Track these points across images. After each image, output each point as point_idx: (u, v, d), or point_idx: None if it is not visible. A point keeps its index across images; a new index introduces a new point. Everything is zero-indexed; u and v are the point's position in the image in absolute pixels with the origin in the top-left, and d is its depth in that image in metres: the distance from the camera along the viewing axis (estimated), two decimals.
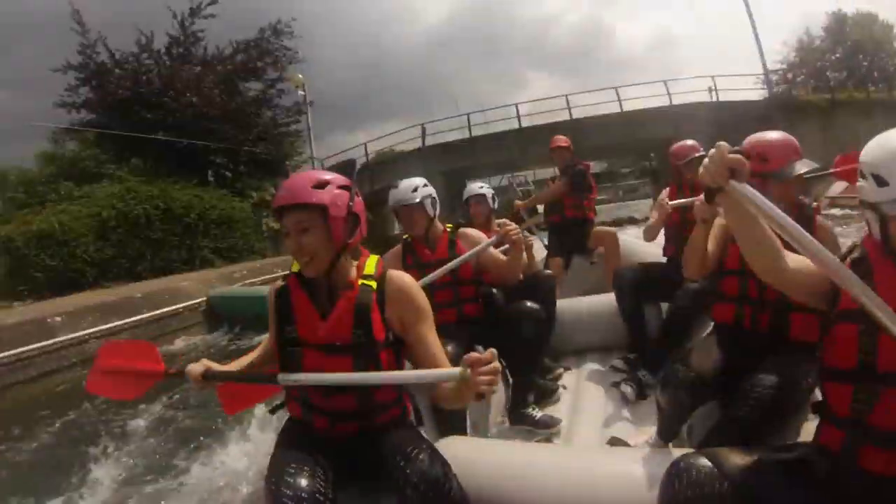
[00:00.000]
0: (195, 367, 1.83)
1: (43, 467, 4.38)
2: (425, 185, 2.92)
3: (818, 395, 1.58)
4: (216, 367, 1.85)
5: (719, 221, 2.23)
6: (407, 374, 1.75)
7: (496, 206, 4.06)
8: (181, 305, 9.57)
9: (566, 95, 22.59)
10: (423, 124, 22.98)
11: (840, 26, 33.97)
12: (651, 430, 2.37)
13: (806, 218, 2.10)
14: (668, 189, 3.69)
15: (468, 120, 22.75)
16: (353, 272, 1.73)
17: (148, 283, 11.50)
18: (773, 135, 2.18)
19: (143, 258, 12.94)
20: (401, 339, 1.72)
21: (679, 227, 3.32)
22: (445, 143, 22.76)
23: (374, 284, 1.71)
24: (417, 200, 2.84)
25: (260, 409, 3.27)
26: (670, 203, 3.26)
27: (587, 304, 3.90)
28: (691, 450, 1.61)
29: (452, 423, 2.33)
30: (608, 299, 3.72)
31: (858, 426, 1.29)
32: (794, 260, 1.40)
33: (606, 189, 22.84)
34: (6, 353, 7.37)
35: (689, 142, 3.74)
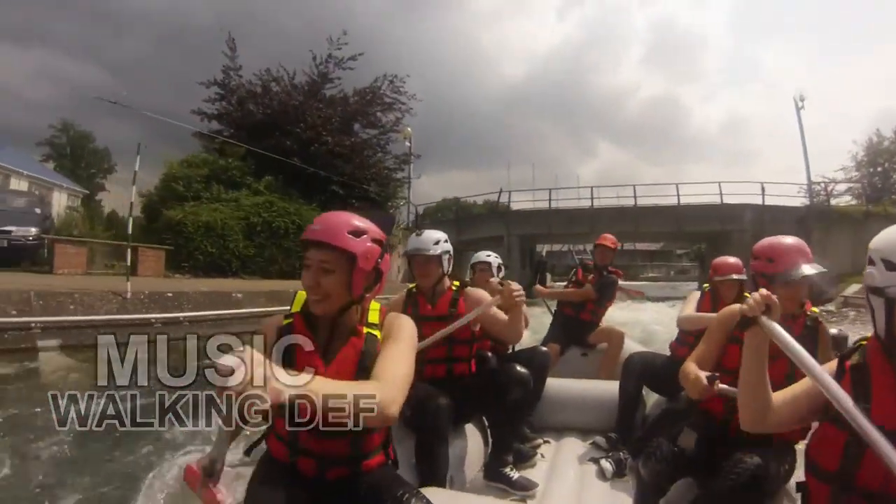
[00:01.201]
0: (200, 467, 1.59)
1: None
2: (445, 241, 2.99)
3: (800, 475, 1.59)
4: (211, 455, 1.60)
5: (717, 322, 2.28)
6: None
7: (501, 275, 4.08)
8: None
9: (633, 185, 25.53)
10: (510, 191, 26.05)
11: None
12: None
13: (812, 329, 2.25)
14: (697, 293, 3.70)
15: (549, 194, 25.39)
16: (358, 319, 1.70)
17: (281, 282, 13.81)
18: (786, 240, 2.24)
19: (275, 261, 15.40)
20: None
21: (699, 337, 3.11)
22: (528, 210, 25.51)
23: (378, 334, 1.68)
24: (436, 253, 2.91)
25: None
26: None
27: (576, 387, 3.89)
28: None
29: (432, 472, 2.38)
30: (594, 385, 3.90)
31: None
32: (777, 400, 1.51)
33: (659, 267, 24.84)
34: (212, 313, 9.76)
35: (732, 259, 3.59)
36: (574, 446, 3.44)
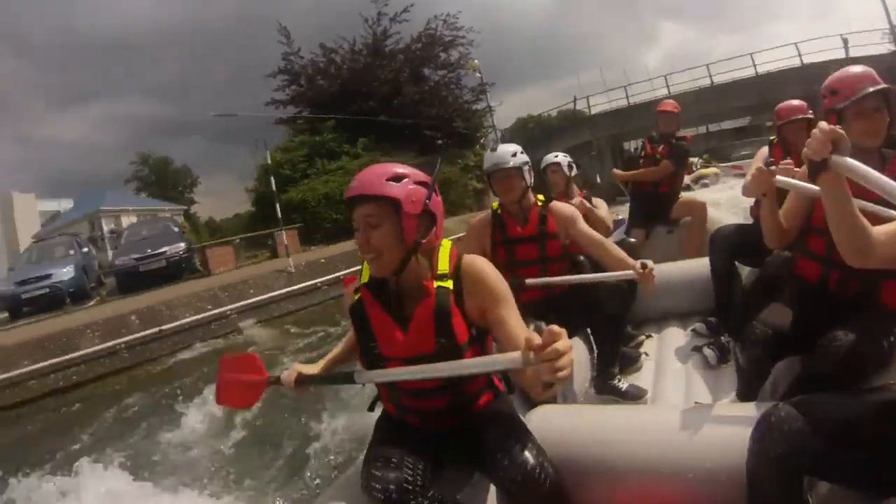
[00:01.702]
0: (289, 375, 1.75)
1: None
2: (522, 153, 2.84)
3: None
4: (306, 369, 1.78)
5: (801, 175, 2.10)
6: (467, 363, 1.53)
7: (573, 173, 4.01)
8: None
9: (707, 65, 23.69)
10: (587, 97, 25.41)
11: None
12: (733, 393, 2.40)
13: None
14: (765, 149, 3.43)
15: (625, 91, 24.44)
16: (427, 273, 1.59)
17: None
18: (851, 68, 2.04)
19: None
20: (484, 329, 1.62)
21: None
22: (609, 111, 24.68)
23: (450, 284, 1.57)
24: (516, 165, 2.76)
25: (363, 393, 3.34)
26: (778, 178, 2.85)
27: (667, 271, 3.64)
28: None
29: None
30: (687, 266, 3.74)
31: None
32: (882, 235, 1.40)
33: (750, 144, 23.24)
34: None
35: (796, 102, 3.41)
36: (676, 336, 3.38)
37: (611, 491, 1.71)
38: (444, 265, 1.59)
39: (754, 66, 22.64)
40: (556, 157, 4.02)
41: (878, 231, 1.40)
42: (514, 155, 2.77)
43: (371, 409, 1.86)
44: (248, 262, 14.47)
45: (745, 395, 2.19)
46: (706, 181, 19.32)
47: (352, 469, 1.88)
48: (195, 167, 45.16)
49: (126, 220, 26.95)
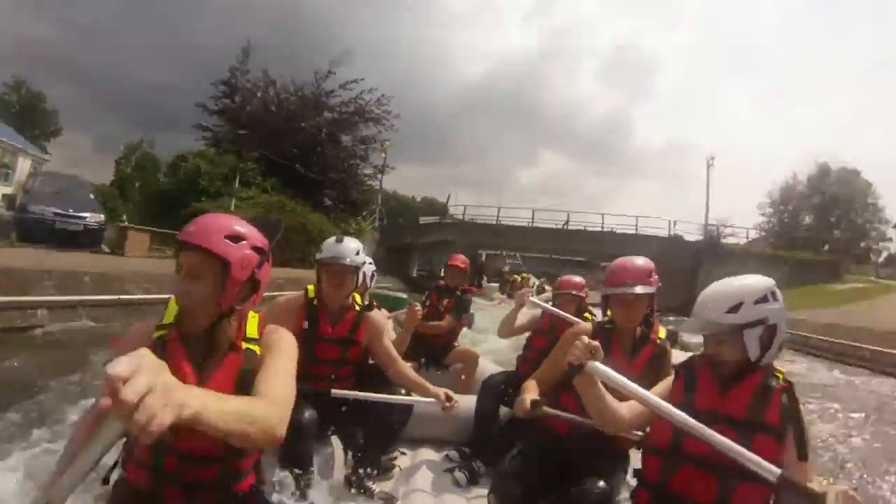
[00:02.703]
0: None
1: None
2: (364, 252, 2.82)
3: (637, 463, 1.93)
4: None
5: (559, 345, 2.36)
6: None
7: (374, 282, 3.90)
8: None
9: (567, 212, 30.86)
10: (465, 206, 31.62)
11: (822, 176, 42.53)
12: None
13: (660, 356, 2.29)
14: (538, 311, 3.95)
15: (498, 212, 30.63)
16: (234, 333, 1.52)
17: (295, 270, 17.00)
18: (630, 259, 2.34)
19: (287, 253, 19.06)
20: None
21: (540, 353, 2.98)
22: (479, 223, 30.05)
23: (258, 349, 1.52)
24: (355, 264, 2.69)
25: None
26: (532, 299, 3.80)
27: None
28: None
29: (298, 484, 2.36)
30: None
31: (662, 490, 1.71)
32: (626, 410, 1.78)
33: (584, 275, 29.82)
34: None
35: (576, 279, 3.84)
36: (429, 458, 3.47)
37: None
38: (252, 331, 1.55)
39: (602, 224, 29.44)
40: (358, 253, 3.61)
41: (624, 407, 1.76)
42: (357, 253, 2.71)
43: (106, 481, 1.58)
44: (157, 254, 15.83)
45: None
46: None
47: None
48: (66, 118, 43.63)
49: (21, 162, 27.10)
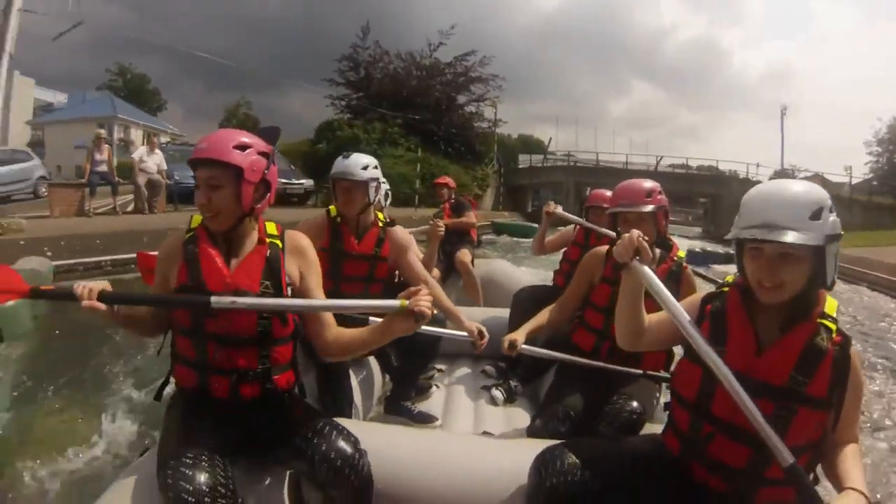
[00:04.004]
0: (90, 287, 1.52)
1: None
2: (376, 167, 2.78)
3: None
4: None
5: (581, 266, 2.55)
6: (350, 303, 1.68)
7: (389, 202, 4.03)
8: None
9: (658, 156, 34.23)
10: (570, 153, 35.75)
11: None
12: (521, 429, 2.49)
13: (677, 273, 2.38)
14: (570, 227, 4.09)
15: (596, 157, 34.36)
16: (256, 234, 1.74)
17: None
18: (636, 181, 2.44)
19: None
20: (297, 294, 1.75)
21: (575, 265, 2.91)
22: (585, 166, 33.89)
23: (279, 243, 1.74)
24: (363, 179, 2.70)
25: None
26: (559, 212, 3.85)
27: (468, 314, 3.59)
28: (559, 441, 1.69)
29: (336, 404, 2.43)
30: (481, 312, 3.96)
31: (693, 445, 1.50)
32: (652, 323, 1.63)
33: (677, 213, 32.36)
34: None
35: (608, 192, 3.62)
36: (466, 374, 3.54)
37: None
38: (272, 230, 1.77)
39: (686, 163, 32.85)
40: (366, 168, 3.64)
41: (650, 318, 1.62)
42: (365, 168, 2.71)
43: (158, 398, 1.80)
44: None
45: (535, 436, 2.23)
46: None
47: (138, 461, 1.68)
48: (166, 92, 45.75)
49: (134, 133, 30.75)
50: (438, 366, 3.64)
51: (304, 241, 1.82)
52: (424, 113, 27.83)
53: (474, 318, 3.52)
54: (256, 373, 1.67)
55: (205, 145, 1.63)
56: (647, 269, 1.50)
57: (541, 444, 1.68)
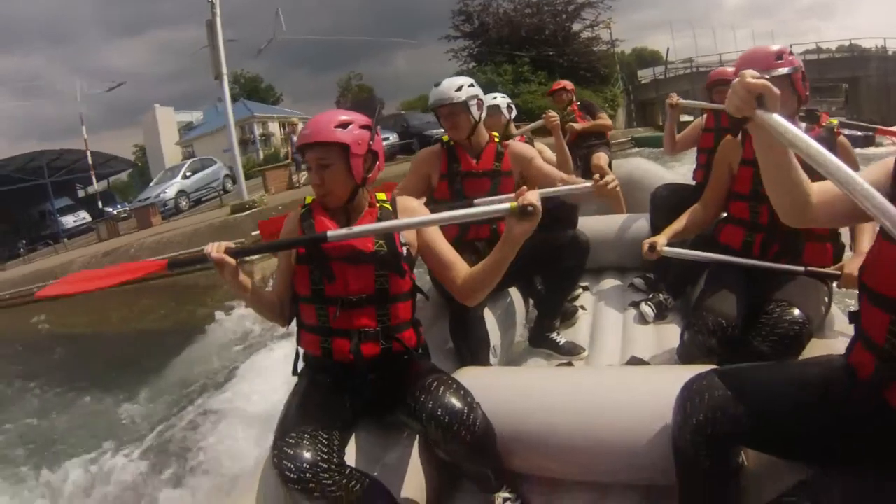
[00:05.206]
0: (217, 245, 1.65)
1: None
2: (471, 86, 2.69)
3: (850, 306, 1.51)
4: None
5: (717, 157, 2.32)
6: (460, 213, 1.65)
7: (513, 115, 3.85)
8: None
9: (789, 45, 33.21)
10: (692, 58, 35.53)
11: None
12: (672, 350, 2.35)
13: (827, 140, 2.03)
14: (701, 120, 3.66)
15: (719, 58, 33.75)
16: (368, 200, 1.82)
17: None
18: (763, 47, 2.08)
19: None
20: (413, 256, 1.80)
21: (710, 153, 2.89)
22: (707, 71, 33.29)
23: (389, 206, 1.82)
24: (460, 100, 2.63)
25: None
26: (681, 101, 3.47)
27: (604, 223, 3.78)
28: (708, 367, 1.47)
29: (471, 352, 2.34)
30: (623, 219, 3.79)
31: (892, 360, 1.11)
32: (819, 191, 1.25)
33: (820, 103, 31.60)
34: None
35: (729, 68, 3.52)
36: (613, 290, 3.39)
37: (542, 453, 1.70)
38: (382, 197, 1.85)
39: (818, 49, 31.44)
40: (495, 98, 3.76)
41: (817, 187, 1.25)
42: (460, 89, 2.64)
43: (295, 372, 1.85)
44: None
45: (684, 358, 2.14)
46: None
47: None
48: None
49: (271, 126, 33.91)
50: (583, 284, 3.48)
51: (413, 203, 1.90)
52: (545, 48, 29.34)
53: (613, 224, 3.58)
54: (376, 332, 1.71)
55: (308, 130, 1.71)
56: (776, 116, 1.07)
57: (689, 372, 1.45)
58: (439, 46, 32.40)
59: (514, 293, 2.95)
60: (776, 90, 1.09)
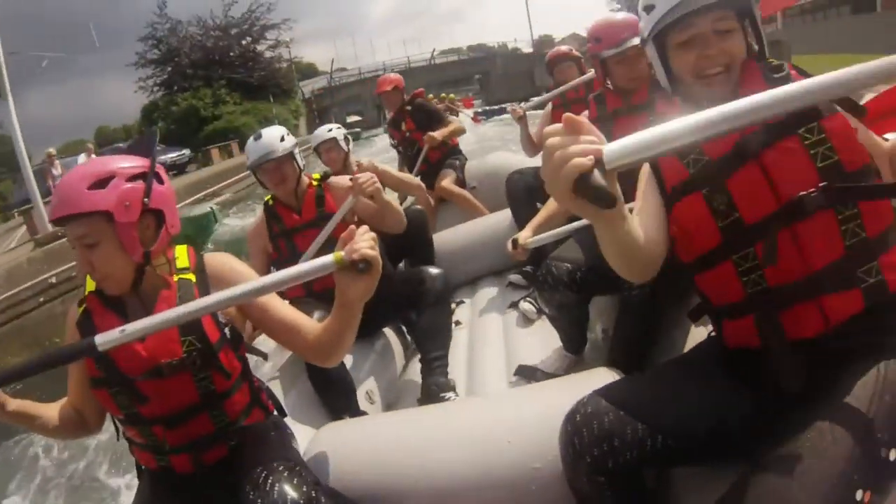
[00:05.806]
0: None
1: None
2: (289, 134, 2.50)
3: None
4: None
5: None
6: (277, 277, 1.12)
7: (350, 147, 3.51)
8: None
9: (433, 49, 42.06)
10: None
11: None
12: (559, 346, 2.27)
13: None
14: (549, 110, 3.50)
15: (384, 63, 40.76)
16: (165, 270, 1.38)
17: None
18: (615, 16, 2.15)
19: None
20: (238, 334, 1.43)
21: None
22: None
23: (192, 277, 1.38)
24: (286, 150, 2.41)
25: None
26: (523, 106, 3.47)
27: (467, 231, 3.58)
28: (597, 368, 1.43)
29: (335, 403, 2.16)
30: (485, 220, 3.66)
31: (763, 296, 1.05)
32: (645, 231, 1.07)
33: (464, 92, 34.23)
34: None
35: (564, 48, 3.54)
36: (491, 296, 3.12)
37: None
38: (183, 262, 1.40)
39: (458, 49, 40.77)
40: (330, 130, 3.43)
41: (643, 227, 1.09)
42: (282, 139, 2.42)
43: (140, 476, 1.51)
44: None
45: (569, 345, 2.06)
46: None
47: None
48: None
49: None
50: (458, 298, 3.24)
51: (225, 261, 1.46)
52: (236, 69, 32.85)
53: (477, 228, 3.52)
54: (215, 434, 1.38)
55: (56, 200, 1.27)
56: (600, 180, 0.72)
57: (580, 382, 1.35)
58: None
59: (387, 329, 2.74)
60: (601, 149, 0.74)
